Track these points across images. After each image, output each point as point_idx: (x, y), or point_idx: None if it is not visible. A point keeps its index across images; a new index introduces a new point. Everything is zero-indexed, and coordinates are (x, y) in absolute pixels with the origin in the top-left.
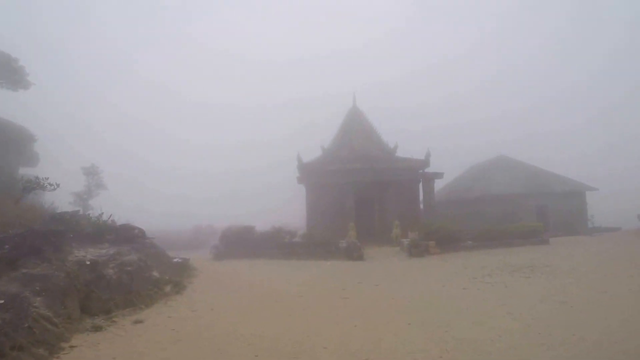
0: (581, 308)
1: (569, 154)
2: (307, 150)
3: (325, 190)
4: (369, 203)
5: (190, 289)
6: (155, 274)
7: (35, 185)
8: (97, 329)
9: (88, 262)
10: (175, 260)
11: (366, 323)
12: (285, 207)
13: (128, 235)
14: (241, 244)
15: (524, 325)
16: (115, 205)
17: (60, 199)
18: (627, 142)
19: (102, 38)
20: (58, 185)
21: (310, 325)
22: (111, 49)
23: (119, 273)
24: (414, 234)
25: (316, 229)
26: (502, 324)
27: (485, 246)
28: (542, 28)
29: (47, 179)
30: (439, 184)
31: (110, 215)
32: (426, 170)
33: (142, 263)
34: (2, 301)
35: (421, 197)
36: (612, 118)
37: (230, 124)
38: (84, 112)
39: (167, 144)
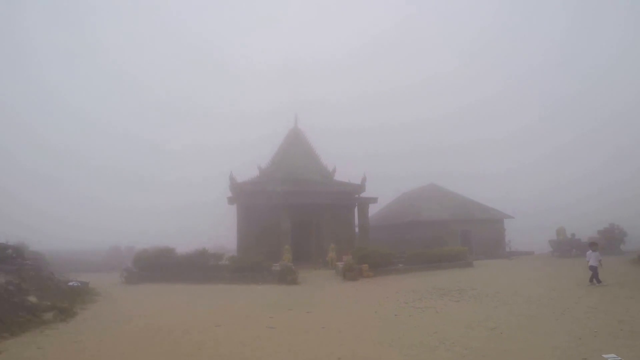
0: (511, 335)
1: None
2: (242, 168)
3: (260, 212)
4: (306, 226)
5: (81, 316)
6: (32, 298)
7: None
8: None
9: None
10: (70, 283)
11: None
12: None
13: None
14: (159, 267)
15: (457, 356)
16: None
17: None
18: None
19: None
20: None
21: None
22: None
23: None
24: (348, 257)
25: (249, 252)
26: (435, 356)
27: (416, 269)
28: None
29: None
30: (373, 209)
31: None
32: (362, 194)
33: (12, 286)
34: None
35: (357, 222)
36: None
37: (175, 128)
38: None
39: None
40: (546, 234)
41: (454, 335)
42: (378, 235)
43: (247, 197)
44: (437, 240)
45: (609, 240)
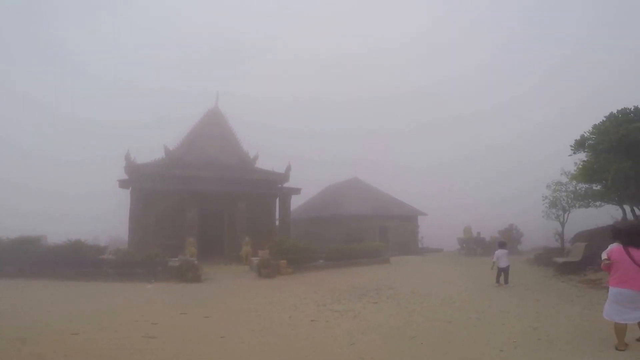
0: (432, 345)
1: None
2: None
3: (161, 199)
4: (219, 217)
5: None
6: None
7: None
8: None
9: None
10: None
11: None
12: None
13: None
14: (18, 259)
15: None
16: None
17: None
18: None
19: None
20: None
21: None
22: None
23: None
24: (265, 252)
25: (145, 245)
26: None
27: (336, 265)
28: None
29: None
30: (298, 201)
31: None
32: (285, 185)
33: None
34: None
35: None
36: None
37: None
38: None
39: None
40: (456, 232)
41: (372, 348)
42: (301, 228)
43: (147, 181)
44: (357, 236)
45: (508, 240)
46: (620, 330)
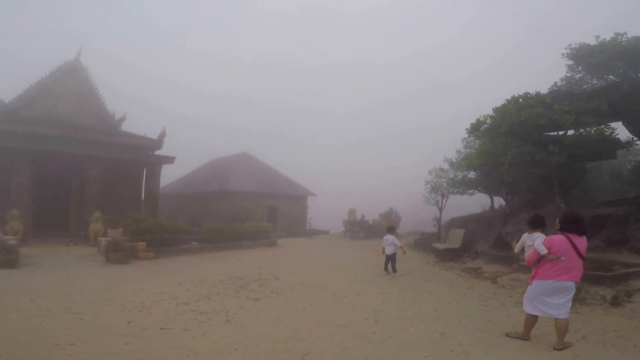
0: None
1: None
2: None
3: None
4: (64, 185)
5: None
6: None
7: None
8: None
9: None
10: None
11: None
12: None
13: None
14: None
15: None
16: None
17: None
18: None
19: None
20: None
21: None
22: None
23: None
24: (117, 231)
25: None
26: None
27: (214, 249)
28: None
29: None
30: (177, 173)
31: None
32: (157, 153)
33: None
34: None
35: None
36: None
37: None
38: None
39: None
40: (342, 214)
41: None
42: (179, 205)
43: None
44: (243, 215)
45: (388, 223)
46: (531, 321)
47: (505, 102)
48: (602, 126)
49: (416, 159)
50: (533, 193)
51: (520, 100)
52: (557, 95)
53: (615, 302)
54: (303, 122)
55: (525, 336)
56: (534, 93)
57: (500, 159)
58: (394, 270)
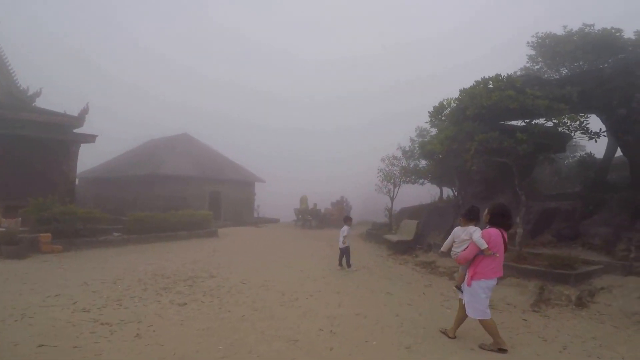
0: None
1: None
2: None
3: None
4: None
5: None
6: None
7: None
8: None
9: None
10: None
11: None
12: None
13: None
14: None
15: None
16: None
17: None
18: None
19: None
20: None
21: None
22: None
23: None
24: (13, 220)
25: None
26: None
27: (140, 240)
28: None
29: None
30: (105, 155)
31: None
32: (78, 131)
33: None
34: None
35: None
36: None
37: None
38: None
39: None
40: (294, 202)
41: None
42: (106, 191)
43: None
44: (181, 201)
45: (339, 212)
46: (494, 325)
47: (475, 83)
48: (579, 115)
49: (371, 148)
50: (485, 184)
51: (491, 83)
52: (528, 80)
53: (580, 303)
54: (253, 105)
55: (500, 345)
56: (505, 75)
57: (466, 145)
58: (349, 265)
